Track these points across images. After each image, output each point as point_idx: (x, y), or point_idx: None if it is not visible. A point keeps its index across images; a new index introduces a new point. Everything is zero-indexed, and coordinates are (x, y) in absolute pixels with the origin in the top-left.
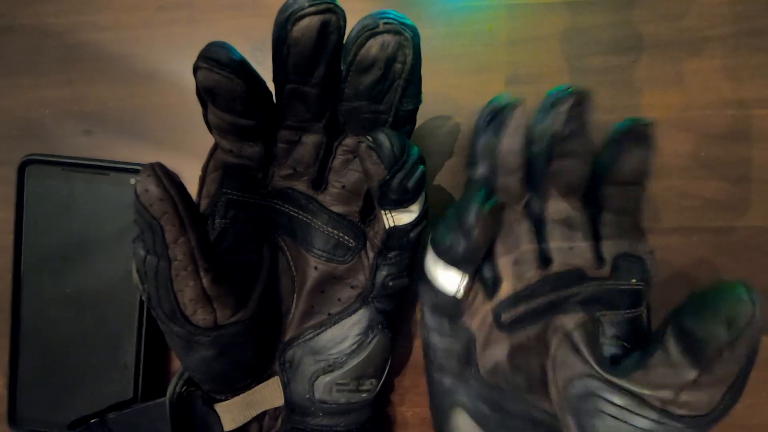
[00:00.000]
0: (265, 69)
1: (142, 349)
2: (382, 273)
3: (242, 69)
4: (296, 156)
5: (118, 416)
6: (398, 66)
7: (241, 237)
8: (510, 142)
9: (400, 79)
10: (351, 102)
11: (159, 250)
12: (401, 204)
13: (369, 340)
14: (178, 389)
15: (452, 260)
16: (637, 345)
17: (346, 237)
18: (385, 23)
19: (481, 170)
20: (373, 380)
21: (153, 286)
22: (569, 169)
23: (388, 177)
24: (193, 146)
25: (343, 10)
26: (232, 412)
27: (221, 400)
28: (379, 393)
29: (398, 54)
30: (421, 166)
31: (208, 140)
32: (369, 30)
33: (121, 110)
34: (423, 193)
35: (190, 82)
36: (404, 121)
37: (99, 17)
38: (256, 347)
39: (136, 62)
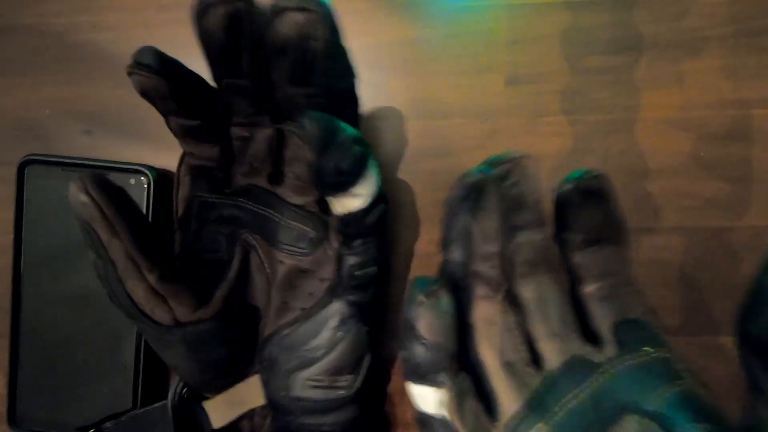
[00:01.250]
0: None
1: (142, 349)
2: (348, 263)
3: (170, 70)
4: (251, 152)
5: (116, 425)
6: (313, 44)
7: (213, 238)
8: (487, 226)
9: (321, 57)
10: (283, 89)
11: (101, 253)
12: (340, 187)
13: (342, 334)
14: (179, 390)
15: (415, 376)
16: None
17: (306, 228)
18: (291, 1)
19: (456, 254)
20: (349, 376)
21: (108, 287)
22: (531, 242)
23: (314, 159)
24: None
25: None
26: (218, 410)
27: (210, 398)
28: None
29: (310, 31)
30: (359, 147)
31: None
32: (275, 11)
33: (121, 110)
34: (372, 177)
35: None
36: (343, 102)
37: (99, 17)
38: (228, 346)
39: None
